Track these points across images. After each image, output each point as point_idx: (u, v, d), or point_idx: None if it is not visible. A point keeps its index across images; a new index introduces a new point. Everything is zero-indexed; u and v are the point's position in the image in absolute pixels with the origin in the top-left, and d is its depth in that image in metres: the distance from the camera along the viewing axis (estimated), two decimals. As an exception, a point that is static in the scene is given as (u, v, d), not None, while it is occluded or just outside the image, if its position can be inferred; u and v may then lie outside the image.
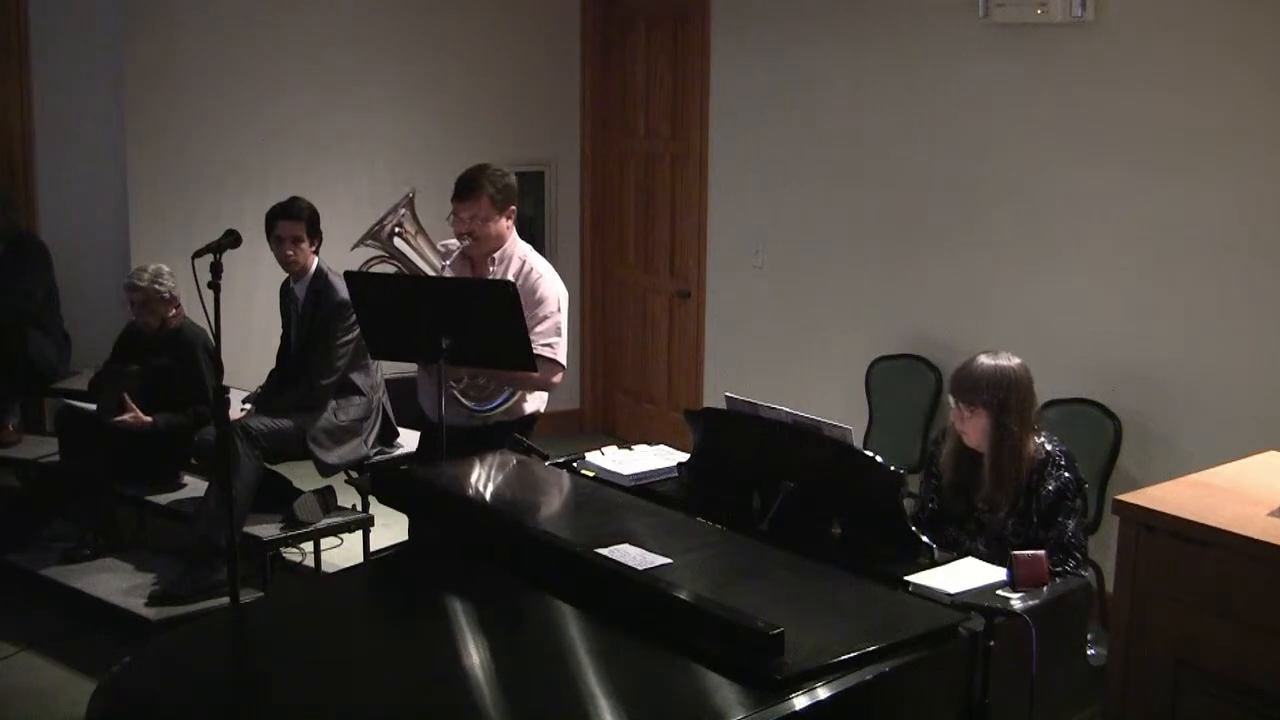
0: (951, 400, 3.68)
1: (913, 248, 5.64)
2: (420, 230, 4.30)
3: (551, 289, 4.35)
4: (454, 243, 4.38)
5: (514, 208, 4.40)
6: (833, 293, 6.00)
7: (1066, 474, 3.60)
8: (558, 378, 4.35)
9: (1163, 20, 4.75)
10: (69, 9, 6.27)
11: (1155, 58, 4.78)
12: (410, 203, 4.30)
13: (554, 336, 4.31)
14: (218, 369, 3.99)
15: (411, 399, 4.65)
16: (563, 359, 4.32)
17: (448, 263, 4.31)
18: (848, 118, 5.86)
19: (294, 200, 5.07)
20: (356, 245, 4.28)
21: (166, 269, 5.27)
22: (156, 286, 5.21)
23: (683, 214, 6.87)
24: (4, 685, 4.51)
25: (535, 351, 4.21)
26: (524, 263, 4.37)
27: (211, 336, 4.00)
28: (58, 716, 4.31)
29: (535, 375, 4.23)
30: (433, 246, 4.34)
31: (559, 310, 4.35)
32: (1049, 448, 3.65)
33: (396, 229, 4.23)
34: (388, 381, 5.26)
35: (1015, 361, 3.67)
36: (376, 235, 4.23)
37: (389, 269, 4.32)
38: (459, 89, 6.95)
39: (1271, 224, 4.54)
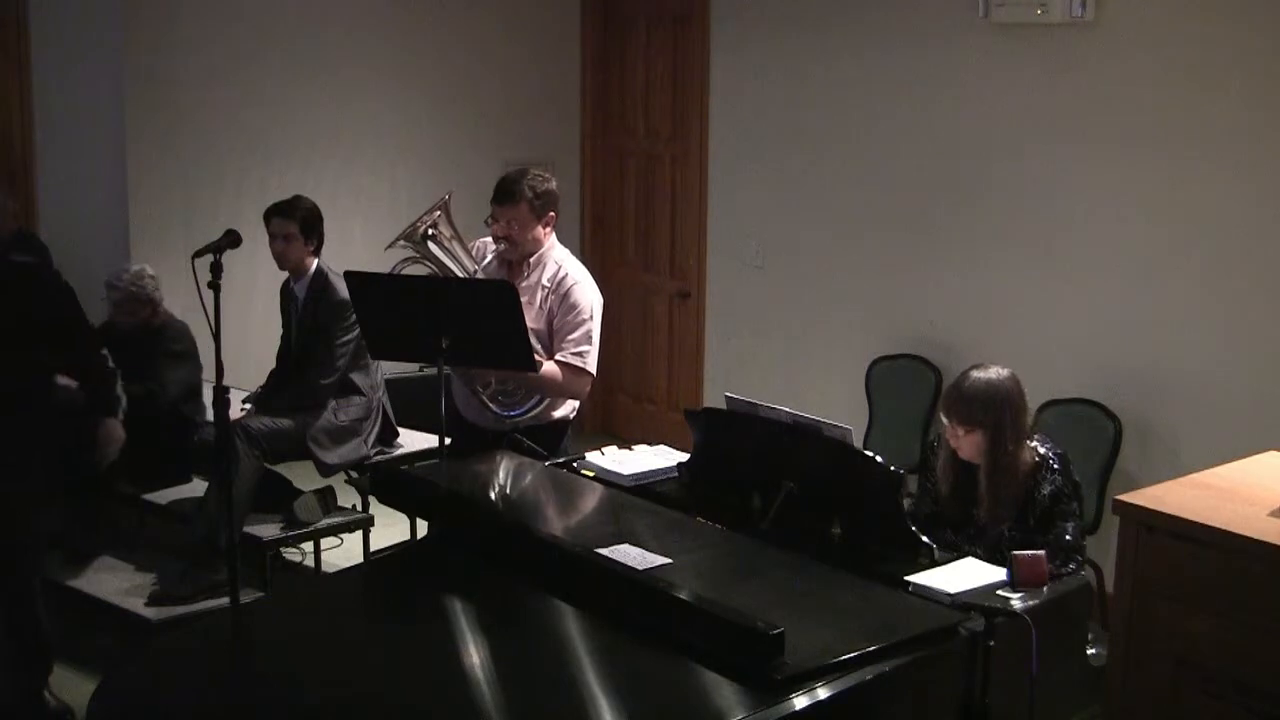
0: (945, 419, 3.67)
1: (913, 247, 5.64)
2: (456, 235, 4.23)
3: (585, 296, 4.29)
4: (487, 241, 4.38)
5: (553, 214, 4.33)
6: (833, 293, 6.00)
7: (1060, 477, 3.60)
8: (587, 386, 4.32)
9: (1162, 20, 4.75)
10: (69, 9, 6.27)
11: (1155, 58, 4.78)
12: (445, 206, 4.24)
13: (585, 345, 4.25)
14: (218, 369, 3.98)
15: (411, 399, 4.64)
16: (592, 368, 4.27)
17: (480, 266, 4.31)
18: (848, 118, 5.87)
19: (294, 199, 5.08)
20: (390, 246, 4.25)
21: (149, 270, 5.27)
22: (133, 289, 5.20)
23: (683, 214, 6.87)
24: (4, 685, 4.52)
25: (565, 360, 4.20)
26: (559, 268, 4.32)
27: (212, 336, 3.99)
28: (58, 716, 4.31)
29: (563, 383, 4.21)
30: (469, 253, 4.30)
31: (592, 318, 4.28)
32: (1042, 450, 3.65)
33: (430, 231, 4.19)
34: (388, 381, 5.26)
35: (1006, 374, 3.65)
36: (410, 237, 4.19)
37: (422, 270, 4.28)
38: (460, 88, 6.95)
39: (1272, 224, 4.54)
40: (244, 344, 5.58)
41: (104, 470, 4.81)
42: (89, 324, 4.30)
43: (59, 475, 4.22)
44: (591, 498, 3.75)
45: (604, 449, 4.01)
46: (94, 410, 4.25)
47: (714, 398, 6.31)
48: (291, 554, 5.46)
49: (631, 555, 3.13)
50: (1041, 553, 3.19)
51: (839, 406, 5.54)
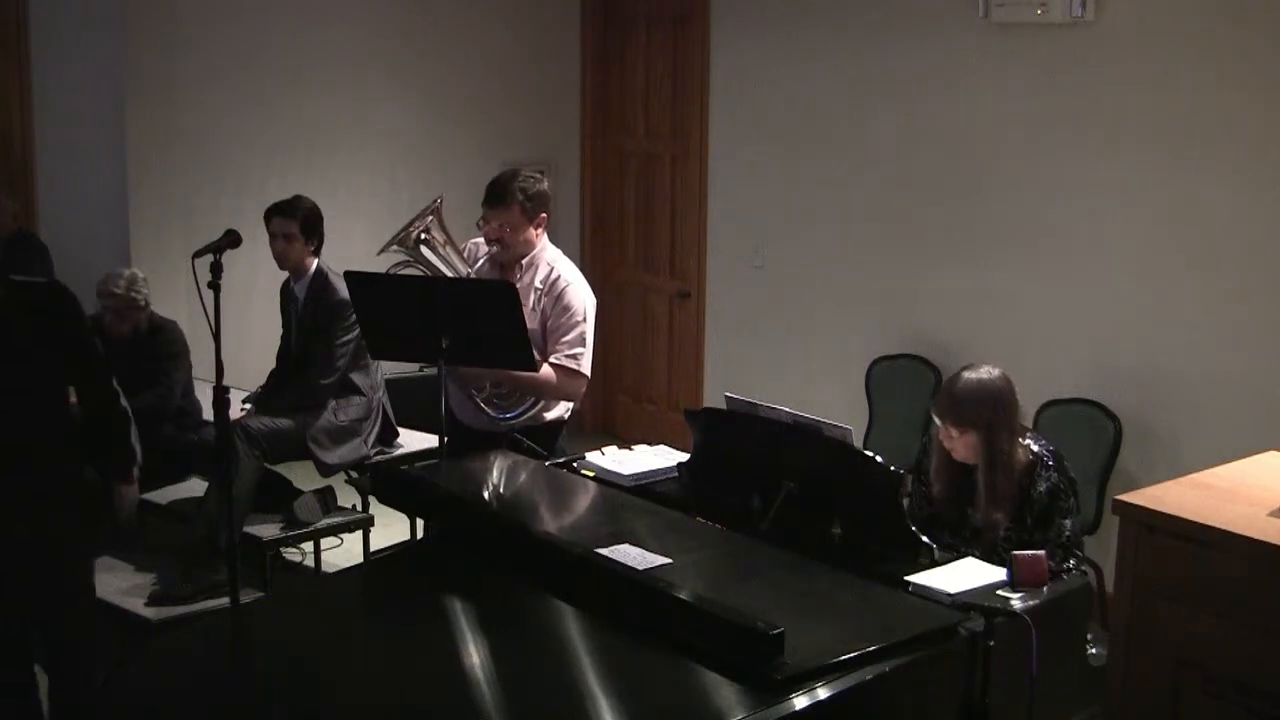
0: (937, 420, 3.67)
1: (912, 247, 5.64)
2: (449, 240, 4.22)
3: (578, 298, 4.27)
4: (479, 242, 4.37)
5: (545, 215, 4.31)
6: (833, 293, 6.00)
7: (1056, 474, 3.60)
8: (582, 389, 4.31)
9: (1162, 20, 4.76)
10: (69, 9, 6.27)
11: (1155, 58, 4.78)
12: (438, 210, 4.23)
13: (579, 347, 4.23)
14: (218, 369, 3.98)
15: (411, 399, 4.64)
16: (586, 370, 4.26)
17: (474, 269, 4.30)
18: (848, 118, 5.87)
19: (295, 198, 5.07)
20: (383, 250, 4.25)
21: (141, 274, 5.27)
22: (132, 295, 5.19)
23: (683, 214, 6.87)
24: (4, 685, 4.50)
25: (559, 362, 4.20)
26: (552, 269, 4.30)
27: (212, 336, 3.98)
28: (58, 716, 4.30)
29: (557, 385, 4.21)
30: (461, 257, 4.29)
31: (585, 320, 4.26)
32: (1035, 448, 3.64)
33: (423, 235, 4.18)
34: (388, 381, 5.26)
35: (996, 374, 3.64)
36: (403, 241, 4.18)
37: (416, 273, 4.27)
38: (460, 89, 6.96)
39: (1271, 224, 4.54)
40: (244, 344, 5.58)
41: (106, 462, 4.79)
42: (98, 350, 4.13)
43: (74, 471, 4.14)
44: (591, 498, 3.74)
45: (604, 449, 4.00)
46: (107, 476, 4.17)
47: (714, 398, 6.31)
48: (291, 554, 5.46)
49: (631, 555, 3.13)
50: (1041, 553, 3.19)
51: (839, 406, 5.54)
